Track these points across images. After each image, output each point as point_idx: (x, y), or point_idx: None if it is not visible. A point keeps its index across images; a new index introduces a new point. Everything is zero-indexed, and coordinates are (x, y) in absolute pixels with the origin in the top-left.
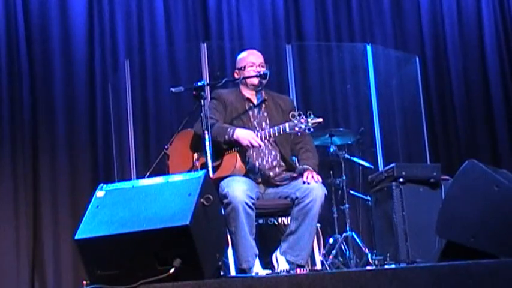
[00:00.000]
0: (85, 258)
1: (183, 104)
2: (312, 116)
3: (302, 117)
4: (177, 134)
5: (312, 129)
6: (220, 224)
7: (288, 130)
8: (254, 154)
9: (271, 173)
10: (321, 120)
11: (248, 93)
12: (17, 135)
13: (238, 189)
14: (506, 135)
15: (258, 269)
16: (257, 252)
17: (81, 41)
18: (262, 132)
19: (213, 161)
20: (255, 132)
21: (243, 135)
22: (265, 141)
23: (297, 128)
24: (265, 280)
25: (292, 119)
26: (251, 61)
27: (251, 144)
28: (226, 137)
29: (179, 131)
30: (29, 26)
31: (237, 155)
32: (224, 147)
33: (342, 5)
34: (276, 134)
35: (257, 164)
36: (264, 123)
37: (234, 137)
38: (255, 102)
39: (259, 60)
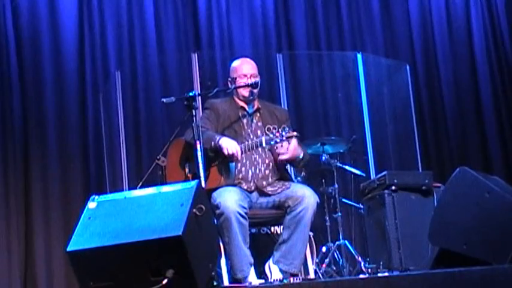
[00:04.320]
0: (78, 270)
1: (175, 114)
2: (287, 129)
3: (277, 131)
4: (171, 144)
5: (288, 142)
6: (212, 234)
7: (264, 144)
8: (247, 163)
9: (264, 182)
10: (294, 134)
11: (241, 102)
12: (8, 146)
13: (230, 200)
14: (497, 142)
15: (252, 279)
16: (252, 261)
17: (72, 52)
18: (241, 145)
19: (204, 171)
20: (243, 142)
21: (226, 143)
22: (259, 150)
23: (272, 142)
24: None
25: (268, 133)
26: (243, 73)
27: (229, 153)
28: (212, 143)
29: (171, 141)
30: (20, 37)
31: (223, 165)
32: (211, 155)
33: (332, 13)
34: (254, 148)
35: (250, 173)
36: (259, 132)
37: (219, 143)
38: (248, 111)
39: (251, 72)
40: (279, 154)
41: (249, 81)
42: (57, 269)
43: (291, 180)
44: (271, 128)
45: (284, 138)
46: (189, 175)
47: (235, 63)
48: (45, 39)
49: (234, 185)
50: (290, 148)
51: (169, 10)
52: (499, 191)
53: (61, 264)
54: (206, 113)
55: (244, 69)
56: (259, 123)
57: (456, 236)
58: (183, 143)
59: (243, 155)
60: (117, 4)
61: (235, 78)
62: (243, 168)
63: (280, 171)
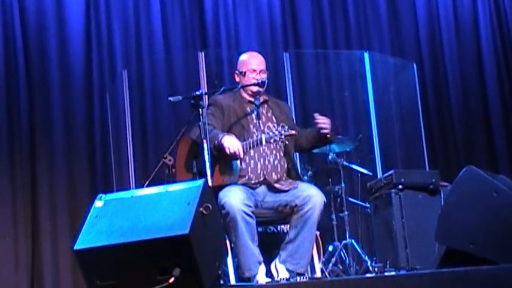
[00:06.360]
0: (84, 268)
1: (181, 113)
2: (286, 128)
3: (277, 130)
4: (179, 142)
5: (286, 142)
6: (219, 233)
7: (264, 142)
8: (256, 155)
9: (273, 174)
10: (293, 132)
11: (248, 96)
12: (15, 146)
13: (235, 199)
14: (505, 141)
15: (261, 277)
16: (261, 259)
17: (79, 52)
18: (243, 144)
19: (211, 170)
20: (251, 136)
21: (228, 142)
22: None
23: (272, 140)
24: None
25: (268, 131)
26: (252, 68)
27: (230, 151)
28: (216, 142)
29: (178, 141)
30: (27, 36)
31: (227, 164)
32: (215, 153)
33: (339, 12)
34: (255, 146)
35: (259, 165)
36: (270, 123)
37: (221, 142)
38: (256, 103)
39: (261, 67)
40: (320, 129)
41: (258, 77)
42: (63, 268)
43: (298, 178)
44: (271, 127)
45: (283, 136)
46: (196, 173)
47: (244, 57)
48: (52, 38)
49: (240, 184)
50: (328, 123)
51: (176, 9)
52: (506, 190)
53: (68, 263)
54: (210, 109)
55: (254, 63)
56: (269, 114)
57: (463, 235)
58: (190, 141)
59: (246, 152)
60: (124, 3)
61: (245, 73)
62: (252, 161)
63: (290, 164)
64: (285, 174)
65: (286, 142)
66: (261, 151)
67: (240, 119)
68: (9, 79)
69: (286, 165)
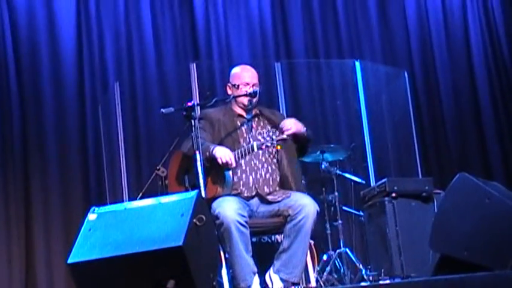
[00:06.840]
0: (78, 282)
1: (174, 125)
2: (277, 133)
3: (268, 135)
4: (171, 156)
5: (278, 147)
6: (213, 244)
7: (255, 149)
8: (247, 169)
9: (265, 187)
10: (284, 136)
11: (239, 110)
12: (8, 159)
13: (229, 209)
14: (497, 148)
15: None
16: (256, 270)
17: (71, 64)
18: (234, 153)
19: (204, 181)
20: (238, 149)
21: (219, 152)
22: (259, 154)
23: (263, 146)
24: None
25: (259, 137)
26: (245, 81)
27: (223, 162)
28: (207, 153)
29: (171, 152)
30: (18, 50)
31: (219, 175)
32: (207, 165)
33: (330, 22)
34: (247, 154)
35: (251, 179)
36: (260, 137)
37: (213, 153)
38: (247, 117)
39: (254, 81)
40: (283, 132)
41: (249, 90)
42: (58, 281)
43: (296, 187)
44: (263, 133)
45: (275, 141)
46: (188, 187)
47: (237, 70)
48: (43, 51)
49: (233, 195)
50: (291, 123)
51: (167, 20)
52: (499, 196)
53: (62, 276)
54: (201, 123)
55: (246, 77)
56: (259, 128)
57: (457, 242)
58: (181, 155)
59: (239, 162)
60: (115, 15)
61: (238, 86)
62: (244, 175)
63: (283, 176)
64: (277, 188)
65: (279, 148)
66: (253, 165)
67: (231, 133)
68: (2, 92)
69: (278, 178)
